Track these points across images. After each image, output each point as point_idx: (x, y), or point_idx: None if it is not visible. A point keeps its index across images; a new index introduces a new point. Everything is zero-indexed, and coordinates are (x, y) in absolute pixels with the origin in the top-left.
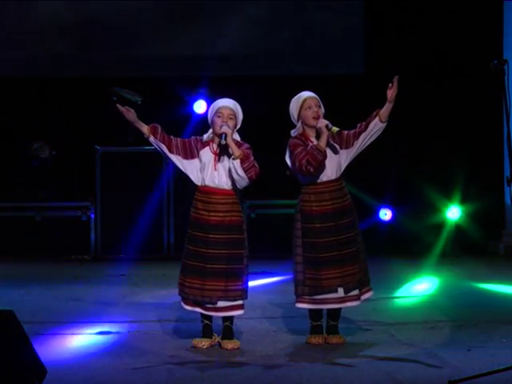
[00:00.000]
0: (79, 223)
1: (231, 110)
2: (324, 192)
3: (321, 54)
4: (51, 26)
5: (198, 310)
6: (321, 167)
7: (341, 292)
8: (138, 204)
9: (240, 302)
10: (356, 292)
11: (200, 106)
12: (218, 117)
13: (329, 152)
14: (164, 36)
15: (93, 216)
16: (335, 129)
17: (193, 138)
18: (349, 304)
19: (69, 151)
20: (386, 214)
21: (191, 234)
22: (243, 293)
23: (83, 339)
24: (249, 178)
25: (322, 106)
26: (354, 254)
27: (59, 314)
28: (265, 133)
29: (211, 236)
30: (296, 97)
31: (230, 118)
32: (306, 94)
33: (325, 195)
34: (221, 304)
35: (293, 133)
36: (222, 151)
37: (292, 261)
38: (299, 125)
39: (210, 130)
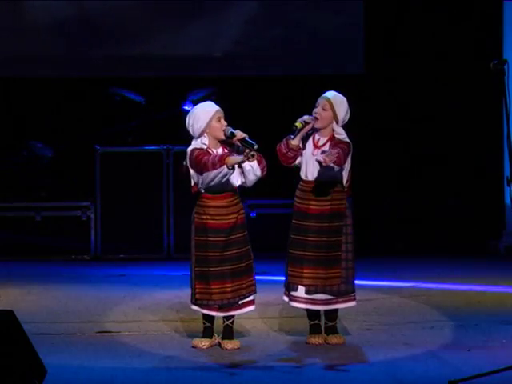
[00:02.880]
0: (79, 223)
1: (222, 112)
2: (305, 190)
3: (320, 53)
4: (51, 26)
5: (220, 313)
6: (285, 158)
7: (301, 292)
8: (138, 204)
9: (252, 298)
10: (321, 296)
11: (189, 106)
12: (218, 121)
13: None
14: (164, 36)
15: (93, 216)
16: (298, 122)
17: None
18: (310, 307)
19: (69, 151)
20: None
21: (210, 240)
22: (255, 287)
23: (83, 339)
24: (262, 176)
25: (336, 111)
26: (331, 259)
27: (59, 314)
28: (265, 133)
29: (232, 237)
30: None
31: (223, 120)
32: (326, 93)
33: (306, 194)
34: (240, 301)
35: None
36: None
37: None
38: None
39: (206, 137)
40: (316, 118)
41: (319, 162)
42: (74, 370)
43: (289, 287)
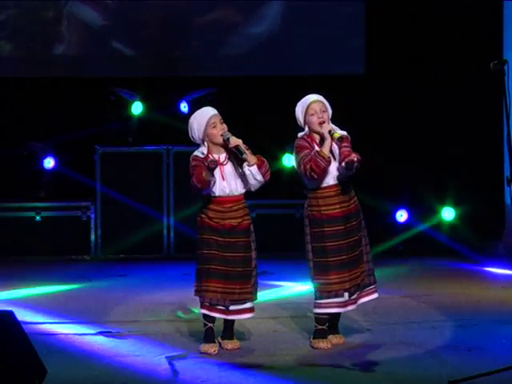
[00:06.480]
0: (79, 223)
1: (219, 115)
2: (332, 196)
3: (320, 54)
4: (52, 27)
5: (215, 314)
6: (325, 173)
7: (346, 296)
8: (138, 204)
9: (250, 305)
10: (355, 296)
11: (185, 106)
12: (214, 127)
13: (337, 155)
14: (163, 36)
15: (93, 216)
16: (336, 134)
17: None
18: (349, 308)
19: (69, 151)
20: (401, 216)
21: (209, 239)
22: (252, 295)
23: (83, 339)
24: (265, 180)
25: (328, 109)
26: (358, 257)
27: (59, 313)
28: (264, 133)
29: (228, 240)
30: (301, 101)
31: (221, 123)
32: (310, 98)
33: (333, 199)
34: (233, 307)
35: (300, 136)
36: (226, 160)
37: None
38: (306, 129)
39: (206, 145)
40: (322, 122)
41: (351, 162)
42: (74, 370)
43: (323, 296)
